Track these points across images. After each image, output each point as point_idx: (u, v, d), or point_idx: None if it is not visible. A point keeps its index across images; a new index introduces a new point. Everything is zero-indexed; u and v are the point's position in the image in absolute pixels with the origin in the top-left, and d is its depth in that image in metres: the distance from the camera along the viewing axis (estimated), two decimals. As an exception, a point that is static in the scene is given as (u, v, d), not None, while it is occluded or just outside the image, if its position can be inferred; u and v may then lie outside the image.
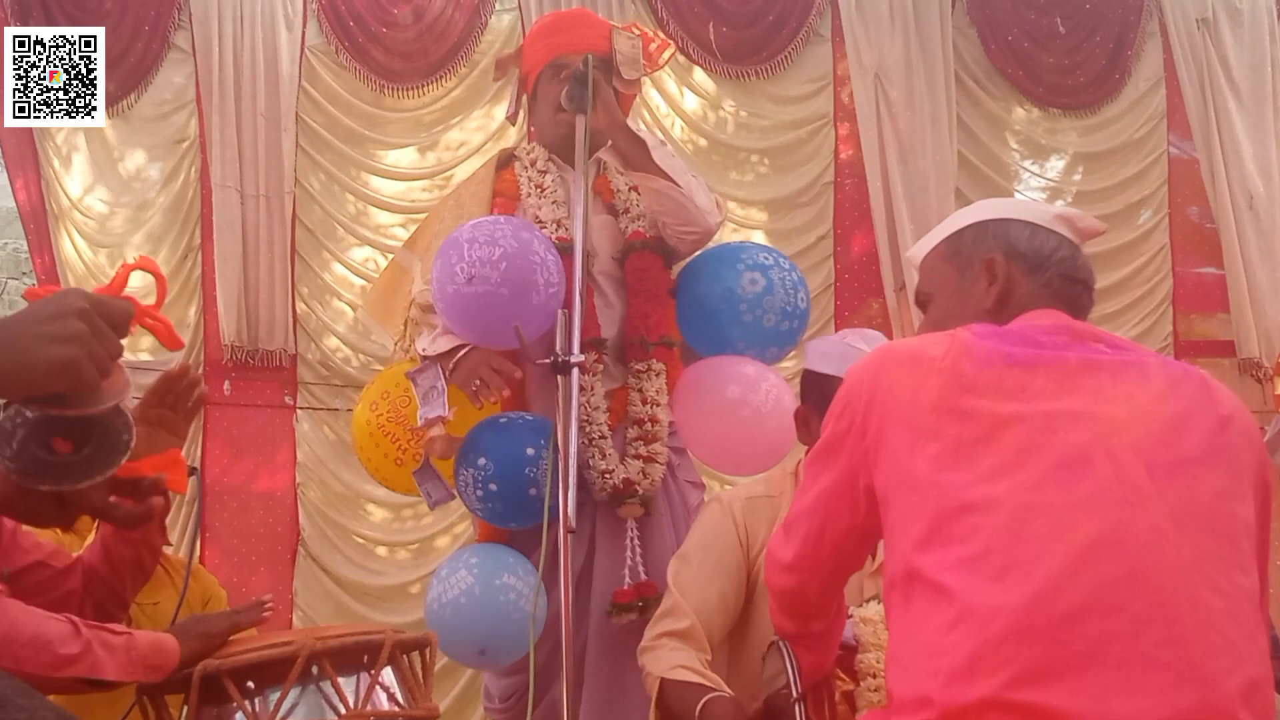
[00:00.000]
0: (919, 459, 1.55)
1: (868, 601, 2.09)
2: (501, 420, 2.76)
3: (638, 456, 2.79)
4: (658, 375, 2.84)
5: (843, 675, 1.99)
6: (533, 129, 3.23)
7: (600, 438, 2.77)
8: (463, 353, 2.73)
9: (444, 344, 2.75)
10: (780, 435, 2.75)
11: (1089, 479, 1.48)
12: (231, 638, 2.12)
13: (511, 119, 3.18)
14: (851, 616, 2.05)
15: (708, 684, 2.24)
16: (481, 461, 2.68)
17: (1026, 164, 5.85)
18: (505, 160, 3.08)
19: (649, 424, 2.81)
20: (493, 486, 2.67)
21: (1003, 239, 1.77)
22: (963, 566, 1.47)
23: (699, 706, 2.15)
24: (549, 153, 3.00)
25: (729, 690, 2.23)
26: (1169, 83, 5.77)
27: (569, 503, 2.39)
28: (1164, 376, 1.61)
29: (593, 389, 2.79)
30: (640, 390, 2.83)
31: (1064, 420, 1.53)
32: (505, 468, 2.66)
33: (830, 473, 1.69)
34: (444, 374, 2.72)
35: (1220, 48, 5.78)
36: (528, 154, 3.03)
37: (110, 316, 1.35)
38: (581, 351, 2.57)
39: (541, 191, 2.93)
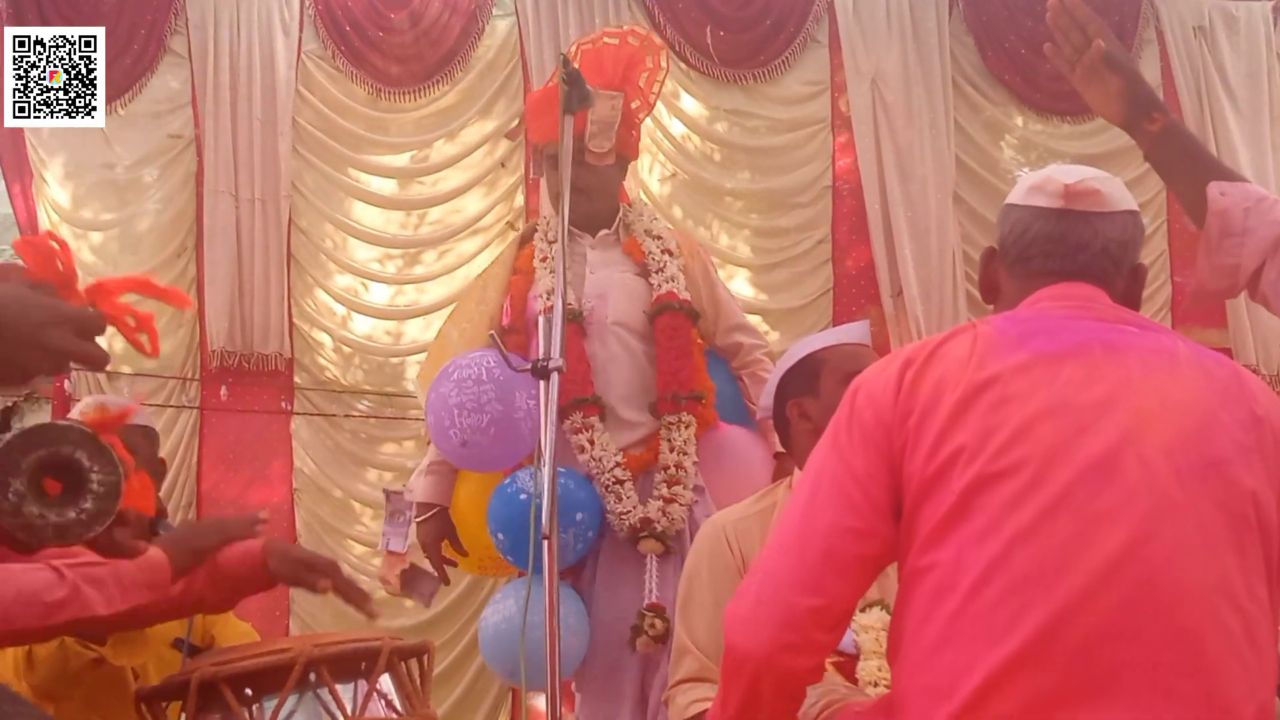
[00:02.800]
0: (945, 457, 1.49)
1: (869, 608, 2.08)
2: (503, 484, 2.97)
3: (660, 497, 2.93)
4: (687, 427, 3.01)
5: (844, 683, 1.98)
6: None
7: (616, 483, 2.92)
8: (425, 517, 3.05)
9: (420, 493, 3.06)
10: None
11: (1117, 485, 1.43)
12: (229, 645, 2.10)
13: (534, 182, 3.26)
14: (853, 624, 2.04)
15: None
16: (493, 528, 2.93)
17: (1025, 170, 5.84)
18: (528, 235, 3.22)
19: (674, 469, 2.97)
20: (500, 536, 2.93)
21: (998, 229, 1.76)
22: (981, 574, 1.43)
23: None
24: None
25: None
26: (1166, 90, 5.76)
27: (553, 508, 2.41)
28: (1195, 366, 1.55)
29: (593, 442, 2.95)
30: (669, 440, 2.99)
31: (1093, 415, 1.48)
32: (509, 523, 2.88)
33: (848, 475, 1.57)
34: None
35: (1217, 55, 5.79)
36: (545, 225, 3.16)
37: (90, 329, 1.34)
38: (573, 411, 2.88)
39: (544, 262, 3.06)
